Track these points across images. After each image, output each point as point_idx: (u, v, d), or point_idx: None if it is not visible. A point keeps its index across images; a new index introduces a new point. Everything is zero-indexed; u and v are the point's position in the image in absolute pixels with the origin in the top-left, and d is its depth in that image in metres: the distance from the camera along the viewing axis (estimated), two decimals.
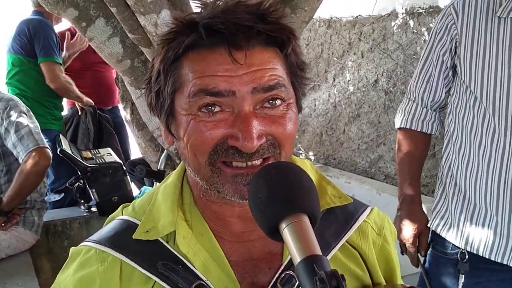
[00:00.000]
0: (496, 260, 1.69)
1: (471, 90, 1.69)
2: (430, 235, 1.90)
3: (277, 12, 0.79)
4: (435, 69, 1.80)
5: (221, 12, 0.77)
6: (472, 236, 1.73)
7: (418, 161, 1.92)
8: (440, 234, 1.82)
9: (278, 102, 0.78)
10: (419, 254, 1.90)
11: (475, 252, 1.72)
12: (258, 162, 0.77)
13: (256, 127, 0.75)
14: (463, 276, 1.76)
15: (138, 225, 0.86)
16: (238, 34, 0.75)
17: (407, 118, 1.88)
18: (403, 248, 1.92)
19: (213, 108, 0.76)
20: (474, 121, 1.70)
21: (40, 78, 3.84)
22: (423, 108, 1.86)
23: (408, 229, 1.87)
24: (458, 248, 1.77)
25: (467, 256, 1.75)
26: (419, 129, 1.87)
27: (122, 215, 0.91)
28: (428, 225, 1.89)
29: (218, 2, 0.79)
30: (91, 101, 4.11)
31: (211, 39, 0.76)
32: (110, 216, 0.94)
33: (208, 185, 0.80)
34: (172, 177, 0.91)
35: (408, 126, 1.88)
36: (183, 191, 0.89)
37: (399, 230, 1.89)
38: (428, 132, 1.88)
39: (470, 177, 1.73)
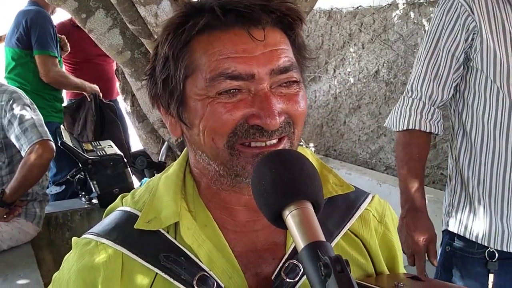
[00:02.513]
0: None
1: (495, 84, 1.61)
2: (447, 235, 1.82)
3: None
4: (444, 65, 1.68)
5: None
6: (507, 235, 1.68)
7: (424, 165, 1.80)
8: (470, 238, 1.74)
9: (292, 83, 0.79)
10: (434, 262, 1.79)
11: (511, 251, 1.67)
12: (275, 141, 0.78)
13: (276, 105, 0.76)
14: (493, 275, 1.70)
15: (138, 216, 0.85)
16: (254, 10, 0.76)
17: (415, 119, 1.74)
18: (410, 259, 1.80)
19: (232, 91, 0.76)
20: (498, 116, 1.63)
21: (38, 70, 3.83)
22: (430, 107, 1.73)
23: (417, 240, 1.75)
24: (485, 246, 1.71)
25: (497, 255, 1.69)
26: (428, 130, 1.75)
27: (122, 205, 0.90)
28: (448, 228, 1.80)
29: None
30: (95, 86, 4.08)
31: (225, 19, 0.76)
32: (109, 207, 0.93)
33: (225, 170, 0.79)
34: (173, 168, 0.90)
35: (416, 127, 1.74)
36: (185, 181, 0.88)
37: (406, 240, 1.77)
38: (436, 133, 1.78)
39: (497, 175, 1.67)
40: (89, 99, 4.09)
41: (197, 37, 0.78)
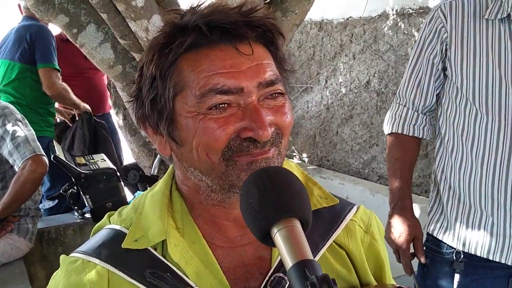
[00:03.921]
0: (494, 260, 1.70)
1: (462, 93, 1.70)
2: (426, 235, 1.90)
3: (262, 10, 0.81)
4: (426, 73, 1.79)
5: (211, 13, 0.79)
6: (469, 238, 1.74)
7: (409, 166, 1.91)
8: (437, 237, 1.83)
9: (278, 95, 0.81)
10: (421, 259, 1.88)
11: (472, 252, 1.73)
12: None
13: (266, 116, 0.77)
14: (458, 275, 1.77)
15: (126, 234, 0.85)
16: (240, 26, 0.77)
17: (398, 123, 1.87)
18: (396, 256, 1.90)
19: (222, 105, 0.77)
20: (465, 123, 1.72)
21: (36, 85, 3.84)
22: (414, 113, 1.85)
23: (401, 236, 1.85)
24: (454, 248, 1.78)
25: (462, 256, 1.76)
26: (410, 134, 1.86)
27: (110, 223, 0.91)
28: (424, 228, 1.89)
29: (198, 8, 0.81)
30: (88, 107, 4.11)
31: (211, 36, 0.78)
32: (97, 225, 0.94)
33: (219, 183, 0.80)
34: (159, 186, 0.90)
35: (399, 131, 1.87)
36: (172, 199, 0.88)
37: (391, 237, 1.88)
38: (420, 137, 1.88)
39: (463, 179, 1.74)
40: (77, 118, 4.11)
41: (183, 55, 0.79)
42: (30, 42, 3.78)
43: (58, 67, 3.84)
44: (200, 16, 0.79)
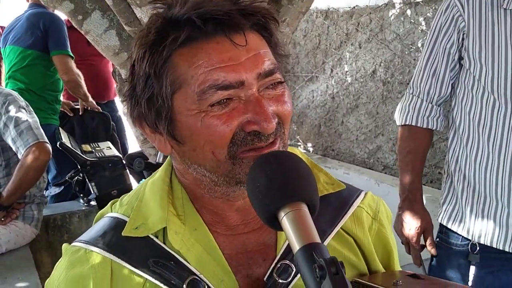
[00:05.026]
0: (510, 251, 1.69)
1: (480, 82, 1.67)
2: (438, 227, 1.88)
3: None
4: (441, 63, 1.76)
5: (201, 3, 0.76)
6: (485, 229, 1.72)
7: (421, 158, 1.89)
8: (451, 229, 1.81)
9: (277, 84, 0.79)
10: (431, 251, 1.87)
11: (488, 244, 1.72)
12: (271, 141, 0.77)
13: (268, 108, 0.76)
14: (474, 267, 1.75)
15: (126, 222, 0.85)
16: (233, 16, 0.74)
17: (412, 115, 1.84)
18: (406, 247, 1.89)
19: (224, 101, 0.75)
20: (482, 113, 1.69)
21: (46, 72, 3.86)
22: (428, 104, 1.82)
23: (411, 228, 1.84)
24: (468, 240, 1.76)
25: (477, 248, 1.74)
26: (424, 126, 1.84)
27: (111, 211, 0.90)
28: (438, 219, 1.87)
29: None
30: (95, 104, 4.13)
31: (205, 29, 0.75)
32: (99, 213, 0.93)
33: (226, 179, 0.78)
34: (159, 173, 0.89)
35: (413, 123, 1.84)
36: (172, 186, 0.87)
37: (402, 229, 1.87)
38: (434, 128, 1.86)
39: (479, 170, 1.72)
40: (81, 112, 4.12)
41: (177, 50, 0.76)
42: (44, 30, 3.79)
43: (72, 54, 3.85)
44: (191, 8, 0.75)
